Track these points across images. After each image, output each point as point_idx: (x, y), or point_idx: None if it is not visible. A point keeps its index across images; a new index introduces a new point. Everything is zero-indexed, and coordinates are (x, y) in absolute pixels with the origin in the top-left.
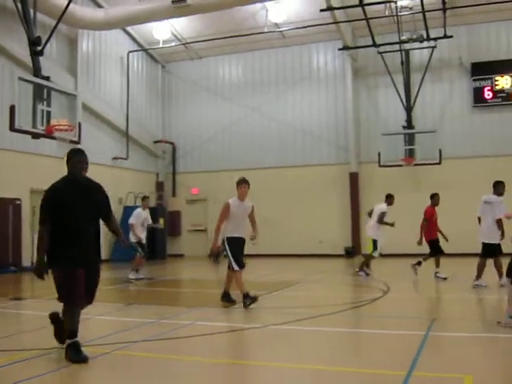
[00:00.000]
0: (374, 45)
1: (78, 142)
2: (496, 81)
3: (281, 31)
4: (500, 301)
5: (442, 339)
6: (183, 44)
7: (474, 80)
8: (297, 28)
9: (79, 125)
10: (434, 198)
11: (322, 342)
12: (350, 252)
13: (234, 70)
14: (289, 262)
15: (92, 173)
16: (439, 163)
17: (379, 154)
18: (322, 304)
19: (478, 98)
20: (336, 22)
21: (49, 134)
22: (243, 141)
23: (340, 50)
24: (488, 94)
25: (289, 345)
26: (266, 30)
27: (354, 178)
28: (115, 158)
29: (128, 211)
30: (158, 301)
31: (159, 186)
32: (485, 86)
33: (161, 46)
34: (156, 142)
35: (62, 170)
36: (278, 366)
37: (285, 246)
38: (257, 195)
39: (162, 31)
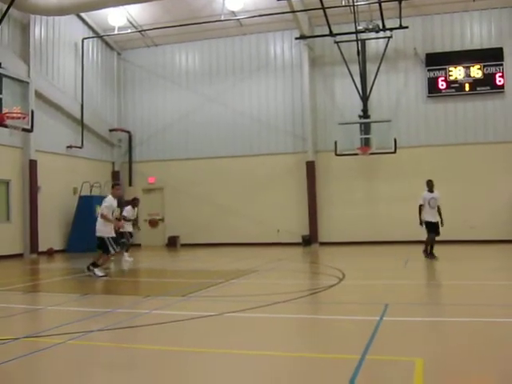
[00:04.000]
0: (331, 34)
1: (30, 130)
2: (450, 71)
3: (238, 19)
4: (450, 286)
5: (395, 324)
6: (139, 31)
7: (428, 70)
8: (254, 16)
9: (32, 113)
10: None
11: (278, 329)
12: (307, 240)
13: (190, 58)
14: (247, 251)
15: (45, 162)
16: (394, 152)
17: (336, 143)
18: (278, 291)
19: (432, 88)
20: (293, 11)
21: (0, 122)
22: (200, 129)
23: (297, 39)
24: (442, 85)
25: (244, 332)
26: (222, 18)
27: (310, 167)
28: (69, 147)
29: (83, 201)
30: (114, 291)
31: (115, 175)
32: (439, 77)
33: (116, 32)
34: (112, 130)
35: (14, 160)
36: (233, 353)
37: (243, 234)
38: (214, 184)
39: (117, 18)
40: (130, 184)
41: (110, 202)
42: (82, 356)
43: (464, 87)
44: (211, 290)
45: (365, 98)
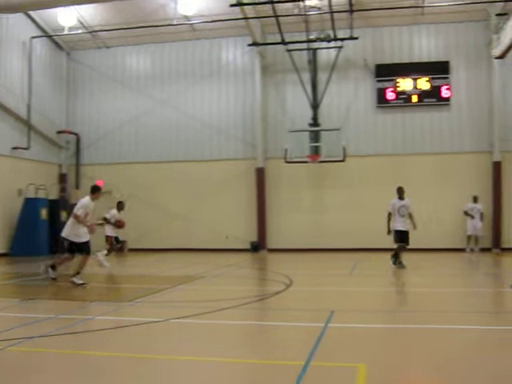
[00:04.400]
0: (283, 42)
1: None
2: (398, 83)
3: (190, 24)
4: (396, 293)
5: (340, 330)
6: (90, 32)
7: (377, 81)
8: (206, 22)
9: None
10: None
11: (224, 335)
12: (256, 246)
13: (142, 61)
14: (196, 257)
15: None
16: (343, 160)
17: (286, 150)
18: (225, 298)
19: (381, 98)
20: (245, 18)
21: None
22: (150, 133)
23: (249, 45)
24: (390, 95)
25: (190, 338)
26: (175, 23)
27: (260, 174)
28: (15, 148)
29: (28, 203)
30: (57, 296)
31: (62, 177)
32: (387, 88)
33: (66, 32)
34: (59, 132)
35: None
36: (179, 359)
37: (192, 240)
38: (164, 189)
39: (67, 18)
40: (77, 187)
41: (87, 203)
42: (22, 363)
43: (412, 98)
44: (158, 295)
45: (315, 106)
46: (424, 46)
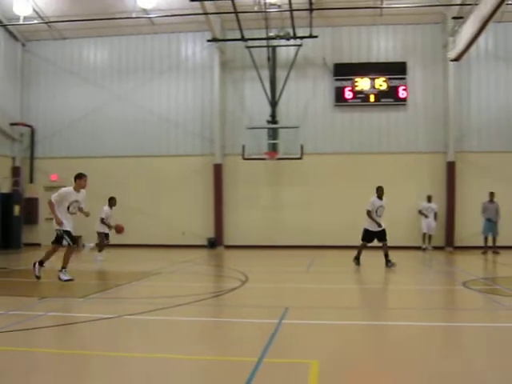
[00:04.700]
0: (243, 39)
1: None
2: (356, 82)
3: (149, 18)
4: (350, 290)
5: (294, 327)
6: (46, 23)
7: (336, 80)
8: (166, 16)
9: None
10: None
11: (177, 332)
12: (213, 243)
13: (99, 54)
14: (152, 253)
15: None
16: (300, 158)
17: (243, 147)
18: (180, 294)
19: (339, 97)
20: (205, 13)
21: None
22: (107, 127)
23: (209, 41)
24: (348, 95)
25: (144, 335)
26: (134, 16)
27: (218, 170)
28: None
29: None
30: (9, 291)
31: (15, 171)
32: (346, 87)
33: (21, 22)
34: (13, 124)
35: None
36: (130, 356)
37: (149, 236)
38: (120, 183)
39: (22, 7)
40: (31, 181)
41: (66, 191)
42: None
43: (369, 98)
44: (112, 291)
45: (274, 103)
46: (382, 46)
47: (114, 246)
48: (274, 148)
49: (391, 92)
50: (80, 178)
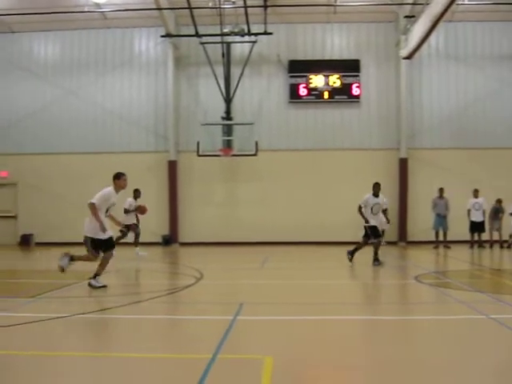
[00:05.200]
0: (197, 35)
1: None
2: (310, 79)
3: (102, 12)
4: (304, 286)
5: (248, 323)
6: None
7: (290, 77)
8: (119, 10)
9: None
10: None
11: (131, 330)
12: (168, 240)
13: (50, 49)
14: None
15: None
16: (255, 155)
17: (198, 144)
18: (134, 292)
19: (293, 94)
20: (159, 9)
21: None
22: (59, 123)
23: (162, 37)
24: (303, 91)
25: (97, 334)
26: (86, 10)
27: (172, 167)
28: None
29: None
30: None
31: None
32: (300, 83)
33: None
34: None
35: None
36: (82, 355)
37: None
38: (71, 181)
39: None
40: None
41: (109, 193)
42: None
43: (323, 95)
44: (64, 290)
45: (228, 100)
46: (336, 44)
47: (68, 244)
48: (228, 145)
49: (345, 89)
50: (119, 177)
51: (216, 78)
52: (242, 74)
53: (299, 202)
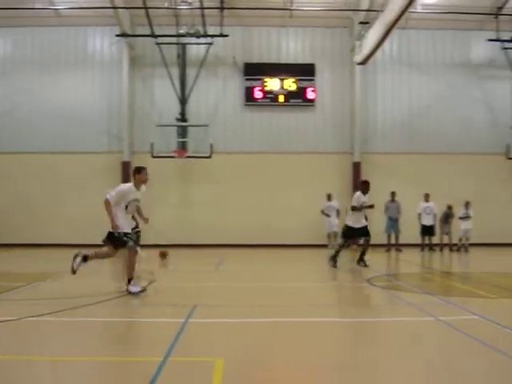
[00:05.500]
0: (152, 35)
1: None
2: (265, 82)
3: (55, 9)
4: (258, 288)
5: (201, 325)
6: None
7: (246, 79)
8: (73, 8)
9: None
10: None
11: (80, 333)
12: None
13: (1, 46)
14: (57, 252)
15: None
16: (210, 157)
17: (152, 145)
18: (84, 295)
19: (249, 97)
20: (114, 7)
21: None
22: (9, 122)
23: (117, 36)
24: (258, 94)
25: (45, 337)
26: (38, 6)
27: (126, 168)
28: None
29: None
30: None
31: None
32: (255, 86)
33: None
34: None
35: None
36: (32, 359)
37: (54, 235)
38: (21, 180)
39: None
40: None
41: (127, 189)
42: None
43: (278, 98)
44: (11, 293)
45: (183, 101)
46: (292, 48)
47: (16, 246)
48: (183, 146)
49: (300, 93)
50: (139, 171)
51: (171, 79)
52: (197, 76)
53: (254, 204)
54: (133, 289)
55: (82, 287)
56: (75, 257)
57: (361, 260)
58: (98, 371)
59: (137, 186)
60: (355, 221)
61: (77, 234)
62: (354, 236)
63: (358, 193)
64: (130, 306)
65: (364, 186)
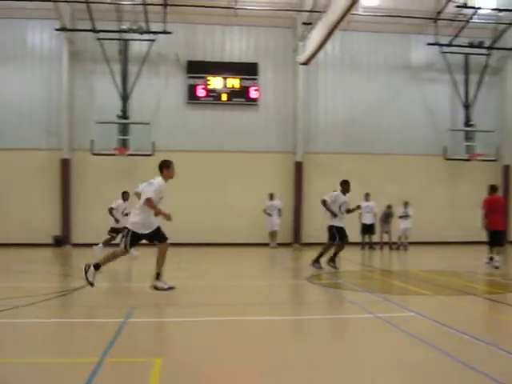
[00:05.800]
0: (94, 30)
1: None
2: (208, 80)
3: None
4: (208, 287)
5: (140, 325)
6: None
7: (189, 77)
8: (9, 0)
9: None
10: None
11: (14, 335)
12: (59, 241)
13: None
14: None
15: None
16: (152, 155)
17: (92, 142)
18: (20, 295)
19: (191, 95)
20: (54, 0)
21: None
22: None
23: (57, 30)
24: (201, 92)
25: None
26: None
27: (65, 165)
28: None
29: None
30: None
31: None
32: (198, 84)
33: None
34: None
35: None
36: None
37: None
38: None
39: None
40: None
41: (162, 185)
42: None
43: (221, 97)
44: None
45: (125, 98)
46: (235, 46)
47: None
48: (124, 144)
49: (243, 92)
50: (168, 166)
51: (113, 76)
52: (139, 73)
53: (196, 203)
54: (162, 285)
55: (18, 288)
56: (86, 271)
57: (332, 260)
58: (30, 374)
59: (166, 180)
60: (341, 221)
61: (14, 232)
62: (345, 236)
63: (337, 192)
64: (67, 307)
65: (346, 186)
